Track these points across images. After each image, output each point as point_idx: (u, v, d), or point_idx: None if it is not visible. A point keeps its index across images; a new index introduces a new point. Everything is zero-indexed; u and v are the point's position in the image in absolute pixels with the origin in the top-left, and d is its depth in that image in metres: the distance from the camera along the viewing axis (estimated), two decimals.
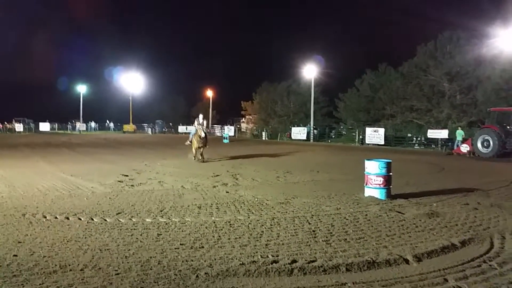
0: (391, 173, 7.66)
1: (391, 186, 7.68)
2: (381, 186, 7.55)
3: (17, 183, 9.04)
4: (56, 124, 56.34)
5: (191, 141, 15.11)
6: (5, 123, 51.70)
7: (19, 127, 49.71)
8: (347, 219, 5.96)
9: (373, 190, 7.62)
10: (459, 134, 23.64)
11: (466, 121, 29.38)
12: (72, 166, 12.88)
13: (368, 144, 29.73)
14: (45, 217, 5.87)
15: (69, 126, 56.01)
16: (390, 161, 7.76)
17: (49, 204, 6.81)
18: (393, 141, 29.60)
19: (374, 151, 21.67)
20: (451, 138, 25.40)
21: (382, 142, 29.06)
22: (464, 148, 20.55)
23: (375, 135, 29.86)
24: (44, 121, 54.38)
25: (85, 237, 4.90)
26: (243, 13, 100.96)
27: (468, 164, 16.09)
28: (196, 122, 14.87)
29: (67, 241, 4.74)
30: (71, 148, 22.30)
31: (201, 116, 15.27)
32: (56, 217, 5.86)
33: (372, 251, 4.48)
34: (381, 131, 29.86)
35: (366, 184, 7.78)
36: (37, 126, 52.53)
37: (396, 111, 33.83)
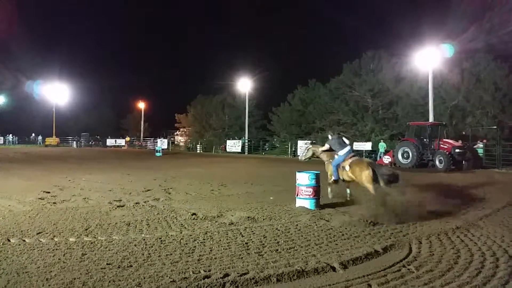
0: (319, 184, 7.99)
1: (320, 197, 8.00)
2: (311, 196, 7.84)
3: None
4: None
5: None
6: None
7: None
8: (278, 230, 6.10)
9: (304, 200, 7.88)
10: (382, 146, 25.37)
11: (388, 134, 31.49)
12: None
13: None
14: None
15: None
16: (319, 172, 8.09)
17: None
18: None
19: (305, 164, 22.36)
20: (375, 150, 27.09)
21: None
22: (386, 159, 22.02)
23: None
24: None
25: (0, 261, 4.48)
26: (177, 26, 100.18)
27: None
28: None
29: None
30: None
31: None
32: None
33: (302, 260, 4.62)
34: None
35: (297, 195, 8.03)
36: None
37: (325, 124, 35.37)
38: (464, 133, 25.85)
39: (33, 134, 55.58)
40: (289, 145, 33.58)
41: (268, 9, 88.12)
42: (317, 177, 7.94)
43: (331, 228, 6.24)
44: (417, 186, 10.40)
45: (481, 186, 12.04)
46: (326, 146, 9.36)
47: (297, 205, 7.96)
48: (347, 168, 8.46)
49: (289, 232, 5.99)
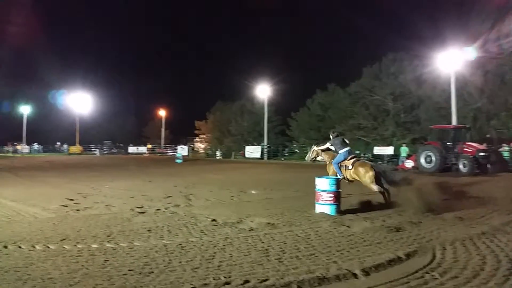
0: (340, 190, 7.91)
1: (340, 202, 7.91)
2: (331, 202, 7.75)
3: None
4: None
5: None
6: None
7: None
8: (299, 236, 6.05)
9: (324, 206, 7.80)
10: (404, 150, 24.91)
11: (410, 138, 30.99)
12: (13, 191, 12.08)
13: (320, 161, 30.39)
14: None
15: (6, 149, 52.53)
16: (340, 178, 8.02)
17: None
18: None
19: (325, 169, 22.18)
20: (397, 155, 26.65)
21: None
22: (409, 163, 21.61)
23: None
24: None
25: (26, 266, 4.59)
26: (195, 32, 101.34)
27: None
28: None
29: (5, 272, 4.41)
30: (12, 172, 20.92)
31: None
32: None
33: (323, 267, 4.56)
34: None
35: (317, 201, 7.95)
36: None
37: (345, 129, 35.09)
38: (488, 136, 25.17)
39: (58, 143, 56.94)
40: (308, 150, 33.40)
41: (286, 12, 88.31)
42: (338, 183, 7.87)
43: (353, 234, 6.15)
44: (441, 190, 10.16)
45: (507, 190, 11.66)
46: (328, 145, 10.19)
47: (317, 211, 7.89)
48: (350, 167, 9.12)
49: (309, 238, 5.94)
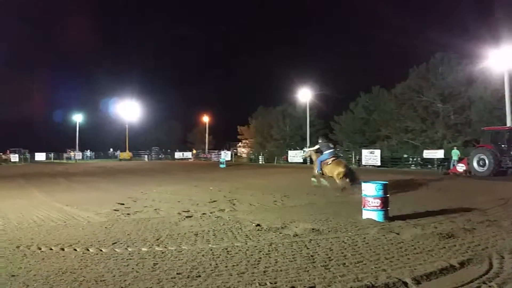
0: (388, 195, 7.66)
1: (388, 208, 7.66)
2: (379, 208, 7.53)
3: (11, 215, 8.94)
4: (52, 154, 56.10)
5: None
6: (0, 154, 51.43)
7: (14, 157, 49.47)
8: (345, 243, 5.92)
9: (371, 212, 7.59)
10: (455, 153, 23.73)
11: (461, 141, 29.57)
12: (68, 196, 12.78)
13: (365, 165, 29.78)
14: (40, 249, 5.79)
15: (65, 156, 55.75)
16: (387, 182, 7.77)
17: (44, 236, 6.73)
18: (390, 162, 29.69)
19: (370, 173, 21.65)
20: (447, 158, 25.48)
21: (379, 163, 29.13)
22: (460, 167, 20.58)
23: (371, 157, 29.96)
24: (40, 151, 54.18)
25: (81, 269, 4.82)
26: (236, 39, 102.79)
27: (465, 183, 16.10)
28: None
29: (62, 273, 4.66)
30: (66, 178, 22.16)
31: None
32: (51, 249, 5.78)
33: (371, 275, 4.43)
34: (377, 152, 29.97)
35: (363, 207, 7.75)
36: (32, 156, 52.28)
37: (391, 132, 34.06)
38: None
39: (111, 149, 59.55)
40: (353, 154, 32.74)
41: (323, 14, 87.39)
42: (385, 188, 7.62)
43: (402, 242, 5.93)
44: (495, 195, 9.59)
45: None
46: (317, 147, 13.20)
47: (364, 217, 7.69)
48: (329, 162, 12.24)
49: (356, 245, 5.79)
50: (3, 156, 50.43)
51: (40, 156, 53.49)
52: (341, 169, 11.84)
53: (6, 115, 59.34)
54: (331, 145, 13.07)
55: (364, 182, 7.88)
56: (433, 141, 30.98)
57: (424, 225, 7.02)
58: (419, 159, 29.30)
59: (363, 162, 30.17)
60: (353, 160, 32.02)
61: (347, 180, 11.87)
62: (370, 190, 7.62)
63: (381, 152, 30.11)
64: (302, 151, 14.92)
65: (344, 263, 4.91)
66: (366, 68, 65.27)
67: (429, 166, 27.59)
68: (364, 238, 6.20)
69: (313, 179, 13.05)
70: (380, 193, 7.54)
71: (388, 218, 7.54)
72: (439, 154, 27.18)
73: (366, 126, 36.81)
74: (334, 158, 12.31)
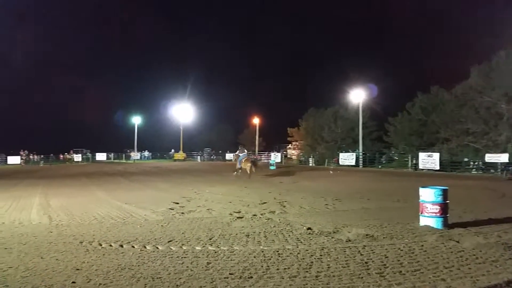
0: (448, 201, 7.27)
1: (448, 215, 7.27)
2: (438, 214, 7.16)
3: (75, 212, 9.55)
4: (112, 154, 59.24)
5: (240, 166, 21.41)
6: (65, 154, 55.14)
7: (77, 157, 52.92)
8: (401, 250, 5.69)
9: (429, 219, 7.24)
10: None
11: None
12: (126, 194, 13.43)
13: (422, 169, 28.49)
14: (101, 245, 6.12)
15: (124, 156, 58.66)
16: (447, 188, 7.38)
17: (104, 232, 7.11)
18: (449, 166, 28.20)
19: (428, 177, 20.71)
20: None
21: (437, 167, 27.71)
22: None
23: (429, 160, 28.57)
24: (101, 151, 57.48)
25: (138, 265, 5.03)
26: (288, 40, 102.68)
27: None
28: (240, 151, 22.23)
29: (121, 269, 4.89)
30: (125, 177, 23.30)
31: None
32: (111, 245, 6.10)
33: (429, 284, 4.23)
34: (436, 155, 28.52)
35: (421, 213, 7.41)
36: (94, 156, 55.54)
37: (451, 134, 32.25)
38: None
39: (173, 150, 61.75)
40: (409, 157, 31.43)
41: (380, 11, 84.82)
42: (445, 193, 7.23)
43: (463, 250, 5.60)
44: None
45: None
46: (237, 152, 21.83)
47: (421, 223, 7.35)
48: (243, 160, 20.53)
49: (413, 253, 5.55)
50: (68, 156, 54.06)
51: (101, 156, 56.62)
52: (248, 164, 20.22)
53: (71, 117, 63.74)
54: (245, 150, 22.63)
55: (422, 187, 7.53)
56: (496, 144, 28.94)
57: (487, 234, 6.58)
58: (480, 163, 27.55)
59: (420, 166, 28.84)
60: (409, 163, 30.77)
61: (253, 169, 20.10)
62: (429, 195, 7.27)
63: (440, 155, 28.66)
64: (232, 155, 25.57)
65: (401, 271, 4.72)
66: (421, 66, 62.41)
67: (492, 170, 25.84)
68: (422, 245, 5.93)
69: (234, 173, 20.92)
70: (439, 199, 7.17)
71: (447, 225, 7.16)
72: (503, 158, 25.39)
73: (423, 128, 35.11)
74: (246, 158, 21.02)
